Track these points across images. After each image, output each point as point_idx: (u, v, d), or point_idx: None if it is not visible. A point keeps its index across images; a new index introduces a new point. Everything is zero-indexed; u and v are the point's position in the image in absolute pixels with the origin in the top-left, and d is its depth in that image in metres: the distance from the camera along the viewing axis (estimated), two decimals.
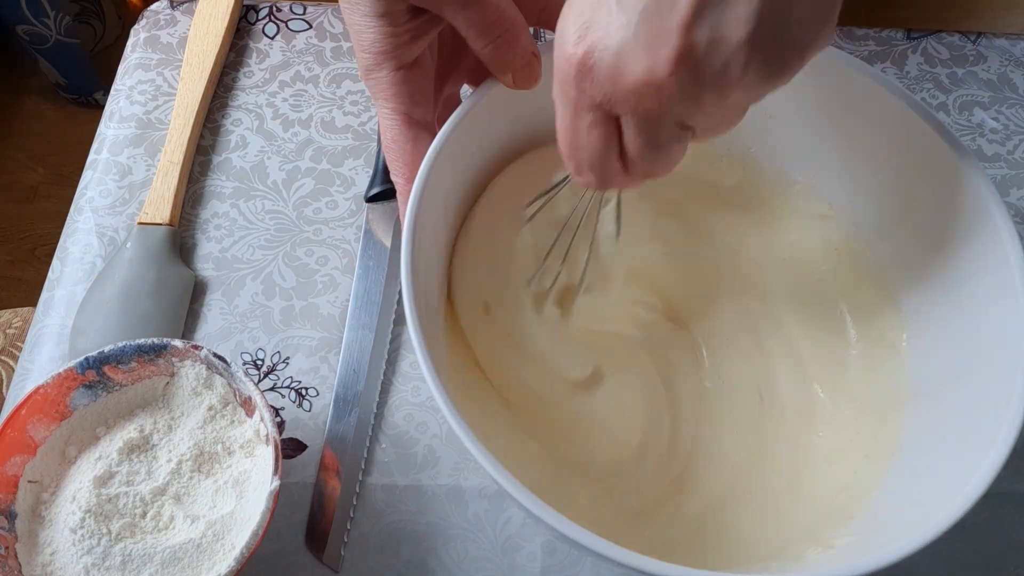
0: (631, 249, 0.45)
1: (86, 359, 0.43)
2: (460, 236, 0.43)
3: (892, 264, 0.44)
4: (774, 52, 0.27)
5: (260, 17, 0.61)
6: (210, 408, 0.44)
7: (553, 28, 0.41)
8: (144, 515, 0.42)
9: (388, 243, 0.52)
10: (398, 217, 0.49)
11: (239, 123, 0.57)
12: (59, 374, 0.43)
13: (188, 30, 0.60)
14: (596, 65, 0.28)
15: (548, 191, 0.42)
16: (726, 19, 0.26)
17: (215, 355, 0.43)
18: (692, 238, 0.48)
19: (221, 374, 0.44)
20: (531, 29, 0.39)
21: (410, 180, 0.38)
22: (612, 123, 0.30)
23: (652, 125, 0.29)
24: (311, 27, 0.61)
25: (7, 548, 0.40)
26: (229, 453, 0.43)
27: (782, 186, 0.48)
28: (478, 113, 0.40)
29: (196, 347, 0.43)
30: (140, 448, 0.43)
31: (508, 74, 0.38)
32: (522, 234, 0.43)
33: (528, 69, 0.38)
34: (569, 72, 0.29)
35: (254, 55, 0.60)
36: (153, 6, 0.62)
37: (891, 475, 0.39)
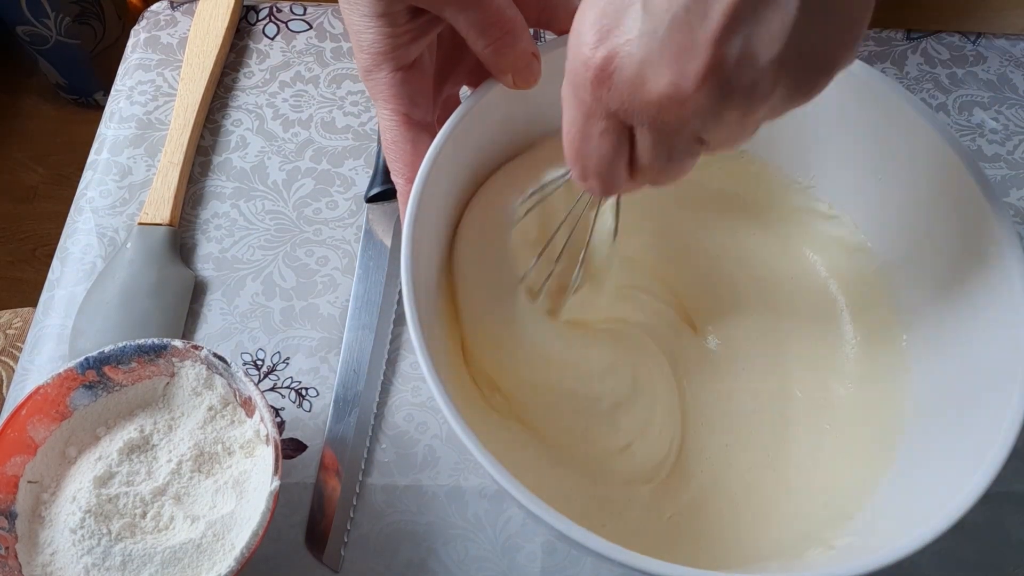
0: (628, 246, 0.45)
1: (86, 359, 0.43)
2: (457, 235, 0.43)
3: (893, 267, 0.44)
4: (804, 70, 0.26)
5: (260, 18, 0.61)
6: (210, 408, 0.44)
7: (553, 29, 0.41)
8: (144, 515, 0.42)
9: (388, 243, 0.52)
10: (398, 217, 0.49)
11: (239, 123, 0.57)
12: (59, 374, 0.43)
13: (188, 31, 0.60)
14: (616, 73, 0.27)
15: (542, 187, 0.41)
16: (758, 34, 0.25)
17: (215, 355, 0.43)
18: (688, 236, 0.48)
19: (221, 374, 0.44)
20: (531, 30, 0.39)
21: (410, 180, 0.38)
22: (625, 132, 0.30)
23: (668, 138, 0.29)
24: (311, 27, 0.61)
25: (7, 548, 0.40)
26: (229, 453, 0.43)
27: (783, 186, 0.48)
28: (478, 114, 0.40)
29: (196, 347, 0.44)
30: (140, 448, 0.43)
31: (508, 75, 0.38)
32: (515, 232, 0.43)
33: (528, 70, 0.38)
34: (585, 76, 0.28)
35: (254, 55, 0.60)
36: (153, 7, 0.62)
37: (891, 475, 0.39)
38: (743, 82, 0.26)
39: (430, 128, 0.40)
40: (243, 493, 0.42)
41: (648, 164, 0.30)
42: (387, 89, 0.38)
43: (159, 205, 0.53)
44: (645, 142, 0.29)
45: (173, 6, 0.62)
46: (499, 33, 0.37)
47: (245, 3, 0.62)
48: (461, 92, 0.47)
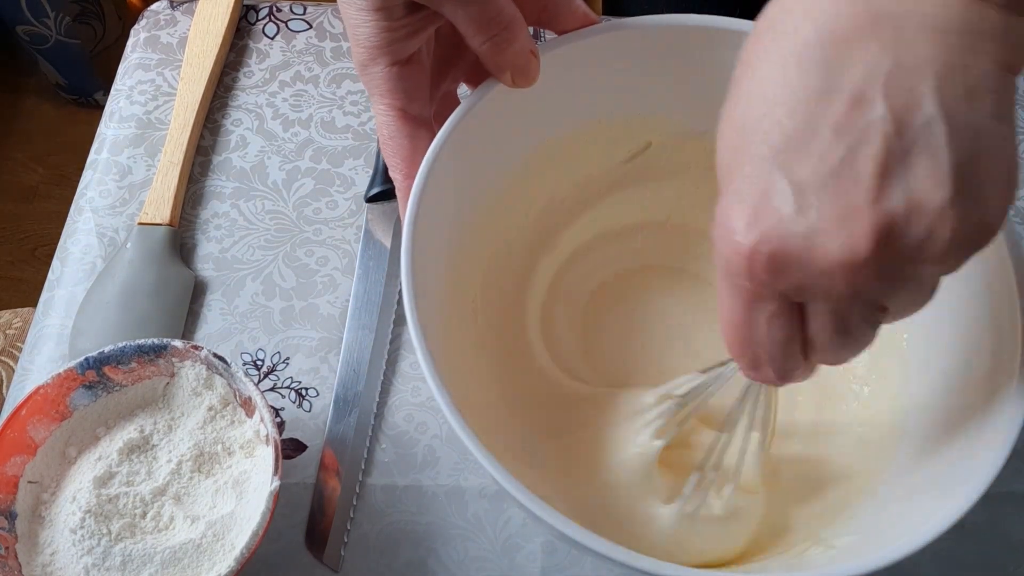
0: None
1: (86, 359, 0.43)
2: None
3: None
4: (977, 206, 0.25)
5: (260, 17, 0.61)
6: (210, 408, 0.44)
7: (553, 28, 0.41)
8: (144, 515, 0.42)
9: (388, 243, 0.52)
10: (398, 217, 0.49)
11: (239, 123, 0.57)
12: (59, 374, 0.43)
13: (188, 30, 0.60)
14: (777, 253, 0.26)
15: (693, 391, 0.39)
16: (917, 180, 0.25)
17: (215, 355, 0.43)
18: None
19: (221, 374, 0.44)
20: (531, 29, 0.39)
21: (407, 176, 0.38)
22: (795, 312, 0.28)
23: (845, 309, 0.27)
24: (311, 27, 0.61)
25: (7, 548, 0.40)
26: (229, 453, 0.43)
27: None
28: (479, 112, 0.40)
29: (196, 347, 0.43)
30: (140, 448, 0.43)
31: (507, 72, 0.38)
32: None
33: (527, 68, 0.38)
34: (740, 264, 0.27)
35: (254, 55, 0.60)
36: (153, 6, 0.62)
37: (891, 475, 0.39)
38: (917, 233, 0.25)
39: (427, 124, 0.40)
40: (243, 493, 0.42)
41: (826, 341, 0.28)
42: (383, 83, 0.38)
43: (159, 205, 0.53)
44: (820, 318, 0.28)
45: (173, 6, 0.62)
46: (496, 29, 0.37)
47: (245, 3, 0.62)
48: (460, 91, 0.46)
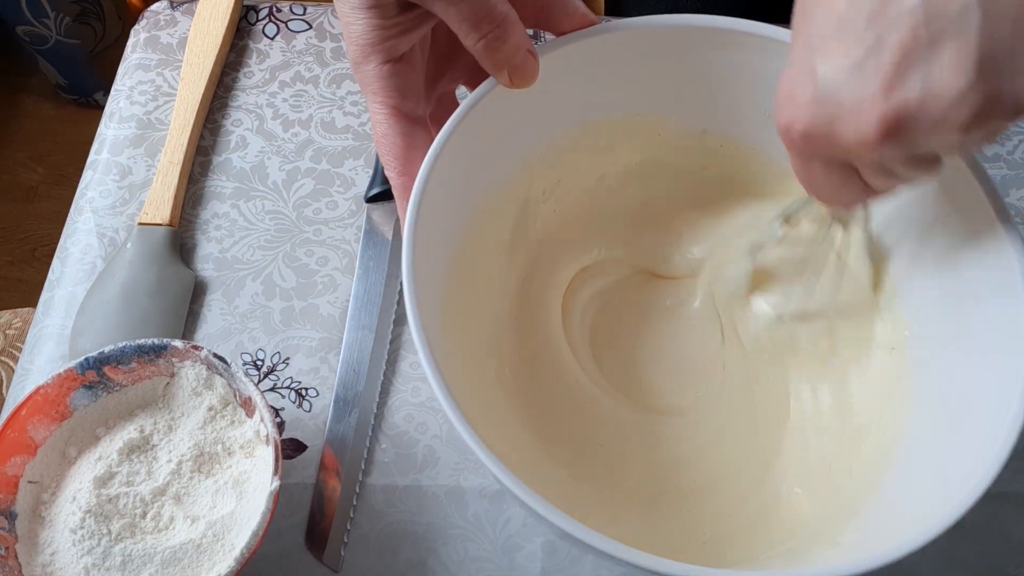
0: None
1: (86, 359, 0.43)
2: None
3: (894, 266, 0.44)
4: (1011, 85, 0.27)
5: (260, 17, 0.61)
6: (210, 408, 0.44)
7: (551, 29, 0.41)
8: (144, 515, 0.42)
9: (388, 243, 0.52)
10: (398, 217, 0.49)
11: (239, 123, 0.57)
12: (59, 374, 0.43)
13: (188, 30, 0.60)
14: (806, 131, 0.30)
15: (791, 211, 0.43)
16: (938, 65, 0.26)
17: (215, 355, 0.43)
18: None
19: (221, 374, 0.44)
20: (530, 31, 0.39)
21: (402, 173, 0.38)
22: (845, 164, 0.32)
23: (883, 165, 0.30)
24: (311, 27, 0.61)
25: (7, 548, 0.40)
26: (229, 453, 0.43)
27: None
28: (480, 112, 0.40)
29: (196, 347, 0.43)
30: (140, 448, 0.43)
31: (504, 71, 0.38)
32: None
33: (524, 67, 0.38)
34: (783, 135, 0.32)
35: (254, 55, 0.60)
36: (153, 7, 0.62)
37: (892, 475, 0.39)
38: (929, 117, 0.27)
39: (422, 122, 0.40)
40: (243, 493, 0.42)
41: (877, 183, 0.32)
42: (375, 81, 0.38)
43: (159, 205, 0.53)
44: (864, 169, 0.31)
45: (173, 6, 0.62)
46: (489, 27, 0.36)
47: (245, 3, 0.62)
48: (458, 93, 0.46)
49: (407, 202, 0.37)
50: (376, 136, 0.39)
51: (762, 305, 0.46)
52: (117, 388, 0.44)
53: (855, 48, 0.28)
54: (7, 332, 0.76)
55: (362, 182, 0.55)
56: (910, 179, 0.31)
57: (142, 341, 0.44)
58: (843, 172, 0.32)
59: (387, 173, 0.39)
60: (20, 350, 0.66)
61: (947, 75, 0.26)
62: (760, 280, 0.46)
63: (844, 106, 0.29)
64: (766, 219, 0.45)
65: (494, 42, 0.37)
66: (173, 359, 0.44)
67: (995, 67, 0.26)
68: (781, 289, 0.45)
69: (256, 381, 0.49)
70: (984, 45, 0.26)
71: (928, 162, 0.31)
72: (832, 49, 0.29)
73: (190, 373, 0.45)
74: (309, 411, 0.48)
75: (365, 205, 0.54)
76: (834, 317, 0.44)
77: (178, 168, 0.54)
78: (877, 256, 0.43)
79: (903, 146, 0.29)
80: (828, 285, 0.43)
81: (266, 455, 0.42)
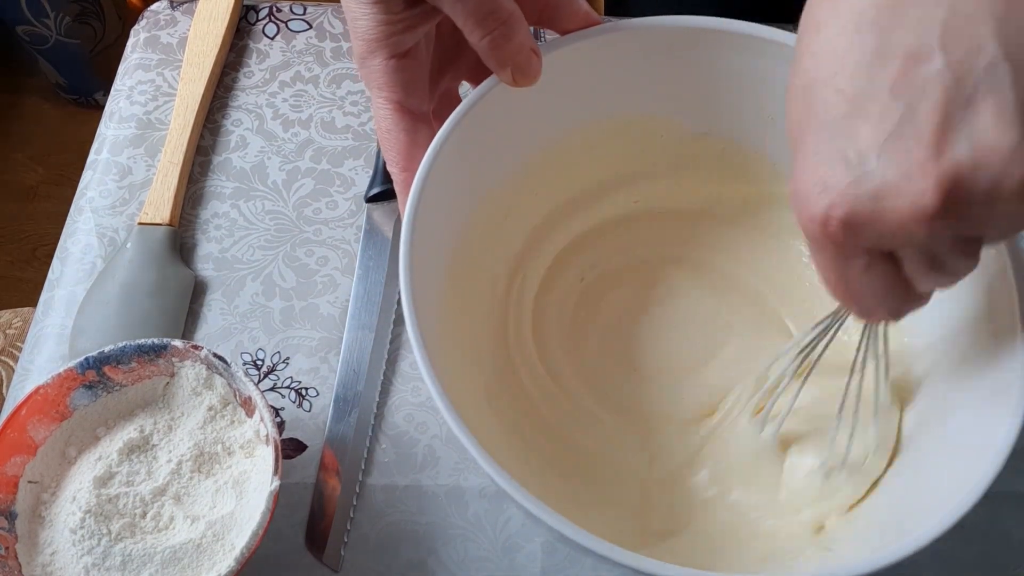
0: None
1: (86, 359, 0.43)
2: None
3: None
4: None
5: (260, 17, 0.61)
6: (210, 408, 0.44)
7: (555, 28, 0.41)
8: (144, 515, 0.41)
9: (388, 243, 0.52)
10: (398, 217, 0.49)
11: (239, 123, 0.57)
12: (59, 374, 0.43)
13: (188, 30, 0.60)
14: (849, 217, 0.27)
15: (817, 337, 0.38)
16: (980, 123, 0.25)
17: (215, 355, 0.43)
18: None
19: (221, 374, 0.44)
20: (532, 29, 0.39)
21: (405, 169, 0.38)
22: (888, 258, 0.29)
23: (933, 251, 0.28)
24: (311, 27, 0.61)
25: (7, 548, 0.40)
26: (229, 453, 0.43)
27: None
28: (481, 110, 0.40)
29: (196, 347, 0.43)
30: (140, 448, 0.43)
31: (507, 69, 0.38)
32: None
33: (527, 65, 0.38)
34: (817, 230, 0.28)
35: (254, 55, 0.60)
36: (153, 6, 0.62)
37: (891, 475, 0.39)
38: (987, 177, 0.25)
39: (425, 119, 0.40)
40: (243, 493, 0.42)
41: (923, 278, 0.29)
42: (380, 76, 0.38)
43: (159, 205, 0.53)
44: (911, 261, 0.29)
45: (173, 6, 0.62)
46: (495, 24, 0.36)
47: (245, 3, 0.62)
48: (461, 90, 0.46)
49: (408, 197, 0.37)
50: (380, 131, 0.39)
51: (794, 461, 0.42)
52: (117, 388, 0.44)
53: (886, 120, 0.26)
54: (7, 332, 0.76)
55: (362, 182, 0.55)
56: (954, 271, 0.29)
57: (142, 341, 0.44)
58: (886, 271, 0.29)
59: (389, 168, 0.39)
60: (20, 350, 0.66)
61: (992, 131, 0.25)
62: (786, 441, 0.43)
63: (890, 180, 0.26)
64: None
65: (499, 39, 0.37)
66: (173, 359, 0.44)
67: None
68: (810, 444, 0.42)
69: (256, 381, 0.49)
70: (1021, 97, 0.25)
71: (974, 246, 0.28)
72: (858, 127, 0.27)
73: (190, 373, 0.45)
74: (309, 411, 0.48)
75: (365, 205, 0.54)
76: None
77: (178, 168, 0.54)
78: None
79: (961, 218, 0.26)
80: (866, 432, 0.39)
81: (266, 455, 0.42)
